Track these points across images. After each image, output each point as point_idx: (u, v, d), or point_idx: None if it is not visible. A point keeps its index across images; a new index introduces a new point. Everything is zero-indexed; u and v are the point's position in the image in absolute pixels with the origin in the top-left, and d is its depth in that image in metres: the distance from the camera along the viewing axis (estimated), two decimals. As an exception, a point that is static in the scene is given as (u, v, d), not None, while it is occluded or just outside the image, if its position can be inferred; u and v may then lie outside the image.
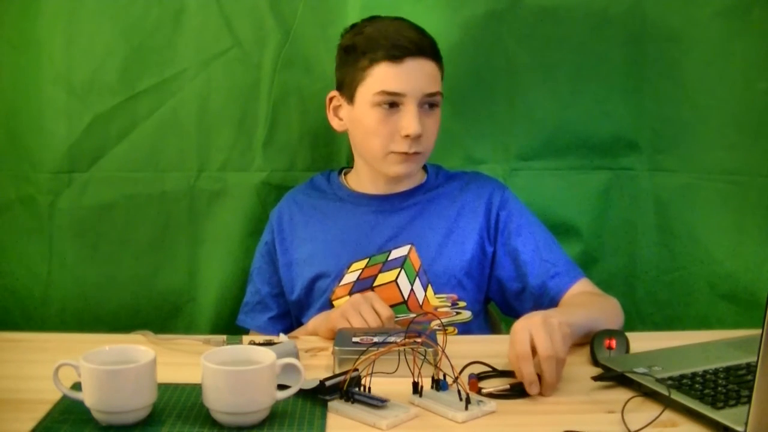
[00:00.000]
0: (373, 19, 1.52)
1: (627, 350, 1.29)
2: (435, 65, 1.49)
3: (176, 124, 1.69)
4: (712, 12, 1.65)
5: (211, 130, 1.70)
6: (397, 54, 1.44)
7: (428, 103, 1.48)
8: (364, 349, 1.16)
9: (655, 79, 1.71)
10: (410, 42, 1.45)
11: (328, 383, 1.11)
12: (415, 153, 1.48)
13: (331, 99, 1.56)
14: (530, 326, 1.15)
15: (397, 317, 1.41)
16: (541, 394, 1.14)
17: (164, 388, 1.12)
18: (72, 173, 1.68)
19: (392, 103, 1.46)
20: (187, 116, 1.69)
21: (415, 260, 1.51)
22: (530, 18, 1.69)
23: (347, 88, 1.51)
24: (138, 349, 1.09)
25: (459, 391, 1.08)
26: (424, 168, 1.62)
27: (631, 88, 1.72)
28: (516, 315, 1.53)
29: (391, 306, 1.39)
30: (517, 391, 1.13)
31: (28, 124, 1.67)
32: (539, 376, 1.13)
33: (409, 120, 1.44)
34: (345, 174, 1.64)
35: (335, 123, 1.57)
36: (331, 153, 1.74)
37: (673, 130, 1.72)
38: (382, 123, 1.46)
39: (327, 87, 1.59)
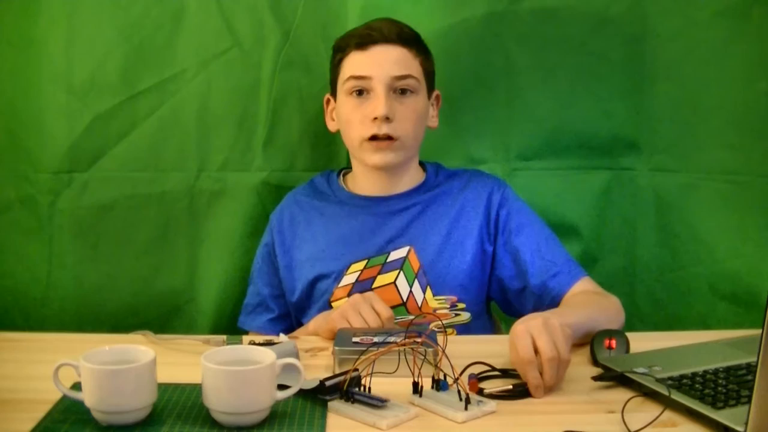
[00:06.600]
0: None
1: (627, 350, 1.29)
2: (406, 51, 1.51)
3: (176, 124, 1.69)
4: (712, 12, 1.65)
5: (211, 130, 1.70)
6: (362, 42, 1.50)
7: (400, 88, 1.50)
8: (364, 349, 1.16)
9: (655, 79, 1.71)
10: (377, 31, 1.50)
11: (328, 383, 1.11)
12: (388, 138, 1.48)
13: (327, 101, 1.61)
14: (531, 329, 1.14)
15: (396, 319, 1.41)
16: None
17: (164, 388, 1.12)
18: (72, 173, 1.68)
19: (361, 90, 1.50)
20: (187, 116, 1.69)
21: (415, 262, 1.51)
22: (530, 18, 1.69)
23: (332, 86, 1.57)
24: (138, 349, 1.09)
25: (459, 392, 1.08)
26: (424, 167, 1.63)
27: (631, 88, 1.72)
28: (517, 314, 1.53)
29: (390, 308, 1.39)
30: (519, 392, 1.13)
31: (28, 124, 1.67)
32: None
33: (376, 102, 1.48)
34: (344, 175, 1.64)
35: (330, 124, 1.61)
36: (331, 153, 1.74)
37: (673, 130, 1.72)
38: (354, 110, 1.50)
39: (327, 87, 1.60)
